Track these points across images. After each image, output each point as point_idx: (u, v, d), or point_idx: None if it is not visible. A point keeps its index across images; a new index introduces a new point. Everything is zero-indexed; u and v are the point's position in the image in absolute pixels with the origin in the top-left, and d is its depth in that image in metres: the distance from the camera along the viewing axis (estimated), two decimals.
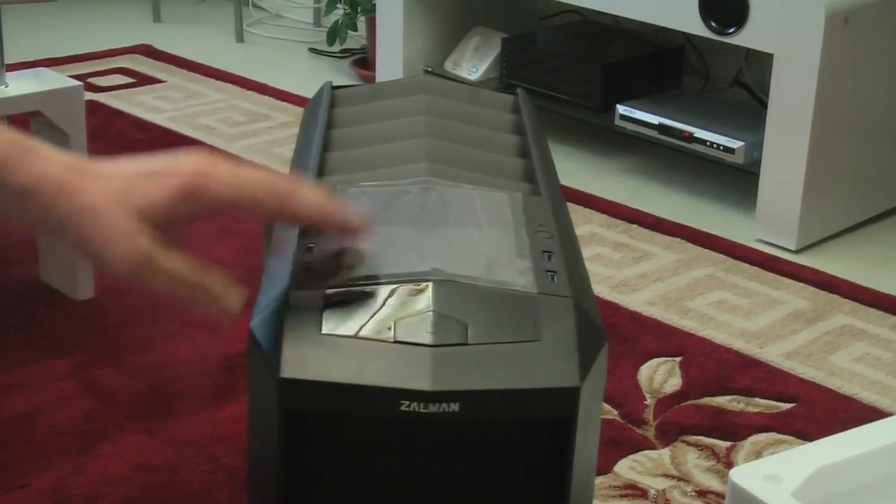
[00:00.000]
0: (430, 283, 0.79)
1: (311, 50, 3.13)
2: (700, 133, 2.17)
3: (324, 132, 1.04)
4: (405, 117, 1.05)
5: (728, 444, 1.46)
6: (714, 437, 1.47)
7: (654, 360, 1.64)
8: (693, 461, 1.42)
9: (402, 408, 0.73)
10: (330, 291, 0.78)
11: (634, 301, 1.81)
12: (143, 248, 0.77)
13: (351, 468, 0.78)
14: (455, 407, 0.73)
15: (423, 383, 0.73)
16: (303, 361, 0.74)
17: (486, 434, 0.76)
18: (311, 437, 0.77)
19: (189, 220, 0.79)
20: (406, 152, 0.98)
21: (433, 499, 0.79)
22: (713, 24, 2.08)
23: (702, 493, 1.37)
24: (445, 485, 0.78)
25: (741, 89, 2.48)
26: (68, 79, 1.74)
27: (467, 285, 0.80)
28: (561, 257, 0.85)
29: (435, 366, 0.73)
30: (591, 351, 0.77)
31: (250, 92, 2.73)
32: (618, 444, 1.45)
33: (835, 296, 1.85)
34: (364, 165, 0.97)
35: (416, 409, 0.73)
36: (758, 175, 2.06)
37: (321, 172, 0.97)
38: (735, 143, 2.12)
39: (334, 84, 1.20)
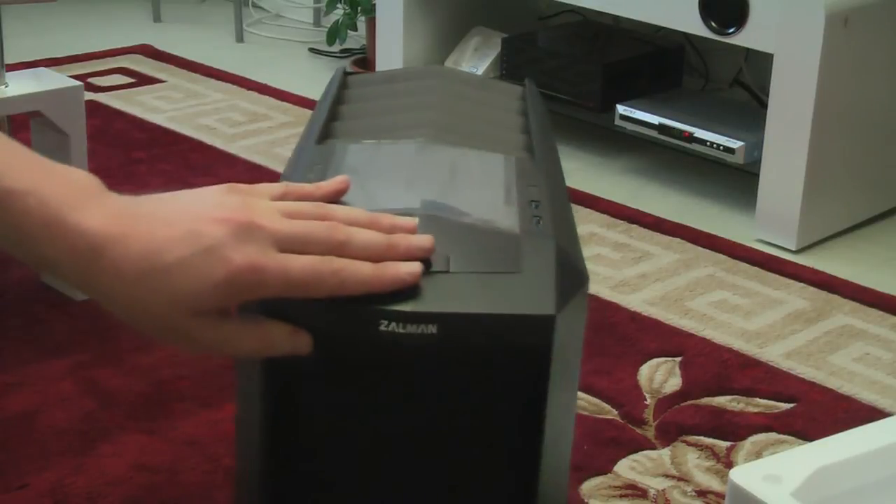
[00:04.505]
0: (417, 217, 0.81)
1: (311, 50, 3.14)
2: (700, 133, 2.17)
3: (331, 106, 1.05)
4: (413, 96, 1.07)
5: (728, 444, 1.46)
6: (714, 437, 1.47)
7: (654, 360, 1.64)
8: (693, 461, 1.42)
9: (381, 328, 0.75)
10: None
11: (634, 301, 1.81)
12: (200, 346, 0.75)
13: (330, 398, 0.79)
14: (433, 329, 0.75)
15: (402, 305, 0.75)
16: None
17: (463, 362, 0.78)
18: (292, 367, 0.77)
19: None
20: (410, 124, 1.00)
21: (410, 429, 0.80)
22: (713, 24, 2.08)
23: (702, 493, 1.37)
24: (423, 415, 0.79)
25: (741, 89, 2.48)
26: (68, 79, 1.74)
27: (452, 220, 0.82)
28: (548, 208, 0.86)
29: (416, 289, 0.76)
30: (569, 287, 0.79)
31: (250, 92, 2.74)
32: (618, 444, 1.45)
33: (835, 296, 1.85)
34: (367, 134, 0.99)
35: (395, 330, 0.75)
36: (758, 175, 2.06)
37: (325, 136, 0.98)
38: (735, 143, 2.12)
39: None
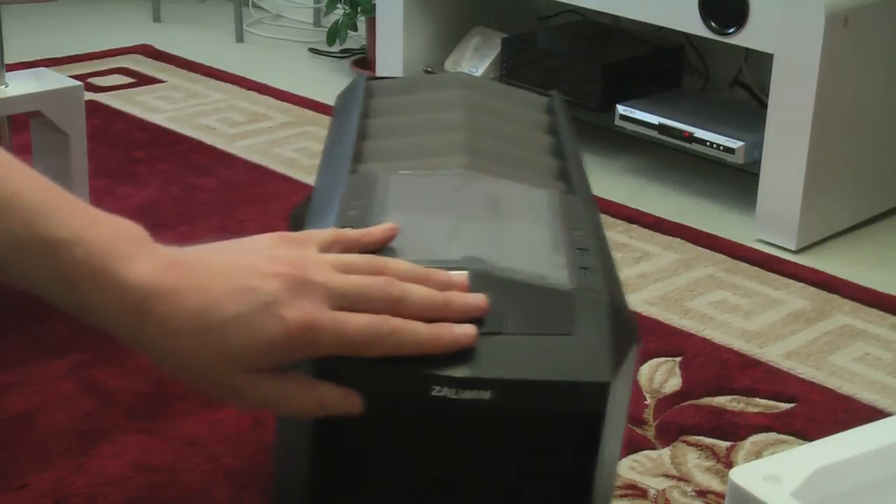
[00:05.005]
0: (467, 272, 0.79)
1: (311, 50, 3.14)
2: (700, 133, 2.17)
3: (359, 121, 1.04)
4: (442, 111, 1.06)
5: (728, 444, 1.46)
6: (714, 437, 1.47)
7: (654, 360, 1.64)
8: (693, 461, 1.42)
9: (434, 392, 0.73)
10: None
11: (634, 301, 1.81)
12: (254, 403, 0.74)
13: (380, 457, 0.78)
14: (486, 395, 0.73)
15: (456, 369, 0.73)
16: None
17: (515, 426, 0.77)
18: (342, 423, 0.76)
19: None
20: (444, 144, 0.98)
21: (460, 490, 0.79)
22: (713, 24, 2.08)
23: (702, 493, 1.37)
24: (472, 476, 0.78)
25: (741, 89, 2.48)
26: (68, 79, 1.74)
27: (503, 277, 0.80)
28: (595, 254, 0.85)
29: (469, 352, 0.74)
30: (623, 347, 0.78)
31: (250, 92, 2.73)
32: None
33: (835, 296, 1.85)
34: (401, 155, 0.97)
35: (448, 395, 0.73)
36: (758, 175, 2.06)
37: (357, 160, 0.97)
38: (735, 143, 2.12)
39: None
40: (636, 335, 0.81)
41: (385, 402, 0.75)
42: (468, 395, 0.73)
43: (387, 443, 0.78)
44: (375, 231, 0.82)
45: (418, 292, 0.76)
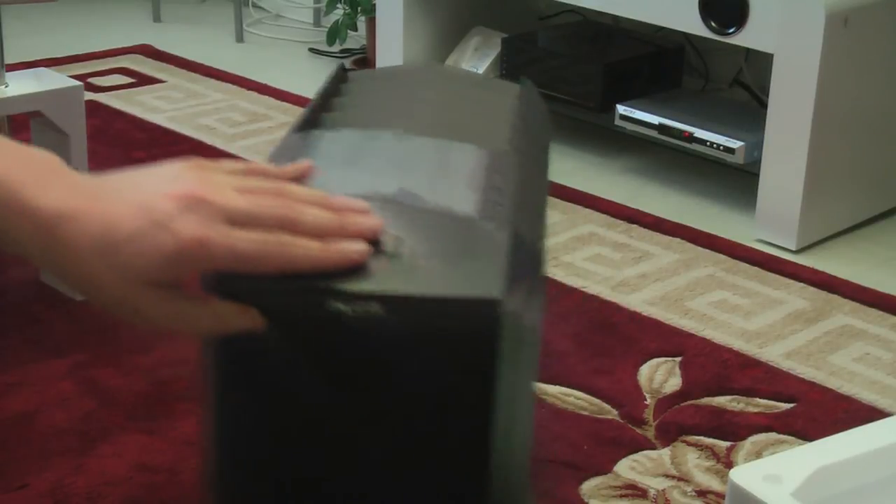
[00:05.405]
0: (374, 201, 0.82)
1: (311, 50, 3.14)
2: (700, 133, 2.17)
3: (322, 97, 1.06)
4: (407, 90, 1.07)
5: (728, 444, 1.46)
6: (714, 437, 1.47)
7: (654, 360, 1.64)
8: (693, 461, 1.42)
9: (328, 306, 0.75)
10: None
11: (634, 301, 1.81)
12: (154, 321, 0.76)
13: (283, 380, 0.80)
14: (378, 309, 0.75)
15: (348, 284, 0.75)
16: None
17: (411, 346, 0.78)
18: (246, 349, 0.80)
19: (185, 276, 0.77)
20: (397, 116, 1.00)
21: (357, 414, 0.80)
22: (713, 24, 2.08)
23: (702, 493, 1.37)
24: (371, 401, 0.80)
25: (741, 89, 2.48)
26: (68, 79, 1.74)
27: (409, 205, 0.83)
28: (513, 197, 0.86)
29: (363, 269, 0.77)
30: (521, 272, 0.79)
31: (250, 92, 2.74)
32: (618, 444, 1.45)
33: (835, 296, 1.85)
34: (350, 124, 0.99)
35: (341, 309, 0.75)
36: (758, 175, 2.06)
37: (308, 127, 0.99)
38: (735, 143, 2.12)
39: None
40: (540, 268, 0.82)
41: (282, 321, 0.77)
42: (360, 308, 0.75)
43: (289, 368, 0.79)
44: (288, 168, 0.85)
45: (313, 213, 0.78)
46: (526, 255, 0.81)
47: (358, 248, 0.77)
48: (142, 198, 0.76)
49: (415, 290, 0.76)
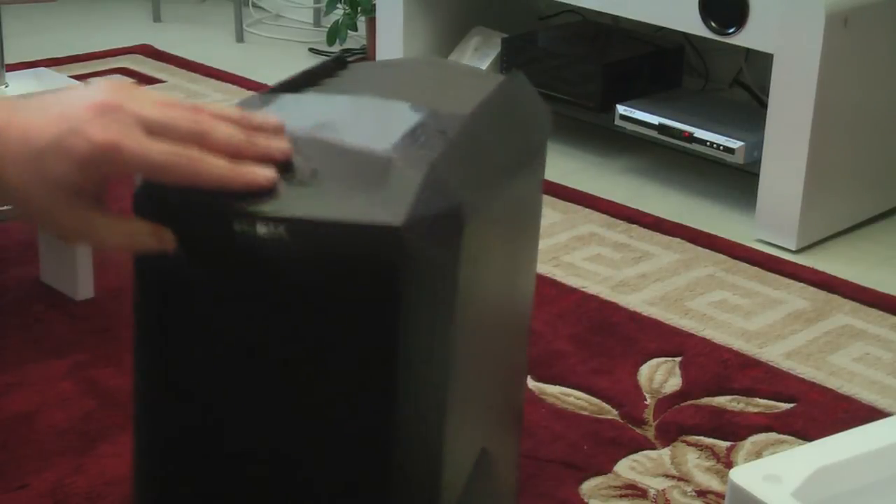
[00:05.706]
0: (297, 131, 0.83)
1: (311, 50, 3.14)
2: (700, 133, 2.17)
3: (304, 74, 1.07)
4: (390, 74, 1.08)
5: (728, 444, 1.46)
6: (714, 437, 1.47)
7: (654, 360, 1.64)
8: (693, 461, 1.42)
9: (234, 227, 0.77)
10: None
11: (634, 301, 1.81)
12: (70, 232, 0.79)
13: (194, 305, 0.81)
14: (282, 232, 0.77)
15: (255, 207, 0.77)
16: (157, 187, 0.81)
17: (317, 274, 0.78)
18: (162, 274, 0.82)
19: (103, 181, 0.80)
20: (367, 87, 1.01)
21: (265, 344, 0.81)
22: (713, 24, 2.08)
23: (702, 493, 1.37)
24: (278, 329, 0.80)
25: (741, 89, 2.48)
26: (68, 79, 1.74)
27: (332, 139, 0.84)
28: (443, 140, 0.87)
29: (272, 193, 0.78)
30: (431, 206, 0.79)
31: (250, 92, 2.73)
32: (618, 444, 1.45)
33: (835, 296, 1.85)
34: (318, 92, 1.00)
35: (243, 229, 0.77)
36: (758, 175, 2.06)
37: (275, 91, 1.01)
38: (735, 143, 2.12)
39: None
40: (457, 206, 0.81)
41: (190, 241, 0.79)
42: (265, 230, 0.76)
43: (201, 293, 0.81)
44: (218, 106, 0.88)
45: (225, 128, 0.80)
46: (443, 198, 0.81)
47: (266, 172, 0.79)
48: (61, 108, 0.79)
49: (318, 215, 0.77)
